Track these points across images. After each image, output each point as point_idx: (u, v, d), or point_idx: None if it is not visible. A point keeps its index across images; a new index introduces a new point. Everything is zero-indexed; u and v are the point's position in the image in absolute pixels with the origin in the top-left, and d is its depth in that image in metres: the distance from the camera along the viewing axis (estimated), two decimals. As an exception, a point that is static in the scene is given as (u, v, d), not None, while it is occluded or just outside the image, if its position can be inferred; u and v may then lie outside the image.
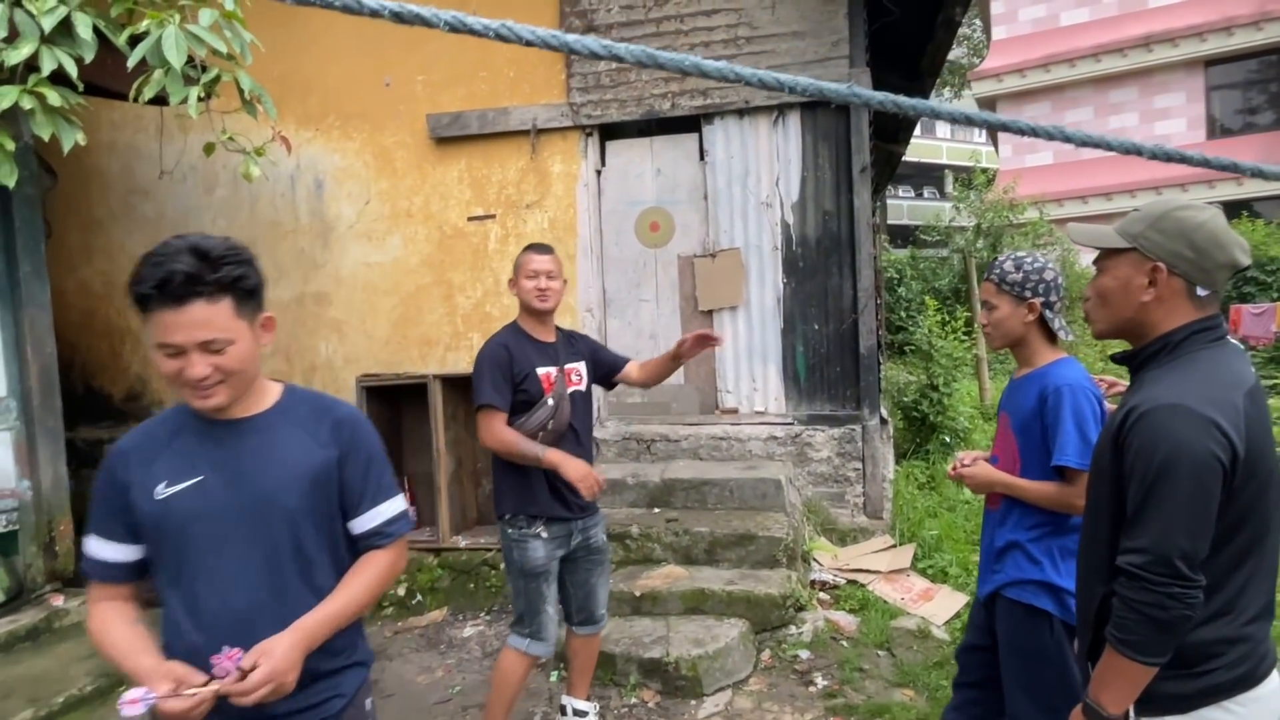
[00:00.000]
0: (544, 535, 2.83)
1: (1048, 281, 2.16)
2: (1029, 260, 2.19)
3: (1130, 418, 1.46)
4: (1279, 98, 16.07)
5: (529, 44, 1.03)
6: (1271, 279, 11.10)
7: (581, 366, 3.01)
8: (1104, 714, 1.46)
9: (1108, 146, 1.26)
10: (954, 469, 2.35)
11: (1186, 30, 16.04)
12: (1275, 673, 1.50)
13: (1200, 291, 1.50)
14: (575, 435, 2.94)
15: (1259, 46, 15.79)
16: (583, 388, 3.00)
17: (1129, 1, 17.09)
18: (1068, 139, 1.24)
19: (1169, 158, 1.25)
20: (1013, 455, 2.20)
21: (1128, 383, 1.79)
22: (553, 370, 2.88)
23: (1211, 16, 15.94)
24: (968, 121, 1.23)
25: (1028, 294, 2.15)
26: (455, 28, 1.05)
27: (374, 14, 1.03)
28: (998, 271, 2.21)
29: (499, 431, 2.78)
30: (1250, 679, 1.46)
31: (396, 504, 1.63)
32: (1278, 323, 8.50)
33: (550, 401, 2.85)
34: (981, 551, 2.35)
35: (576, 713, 3.12)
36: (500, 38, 1.02)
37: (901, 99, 1.23)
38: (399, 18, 0.98)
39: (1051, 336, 2.22)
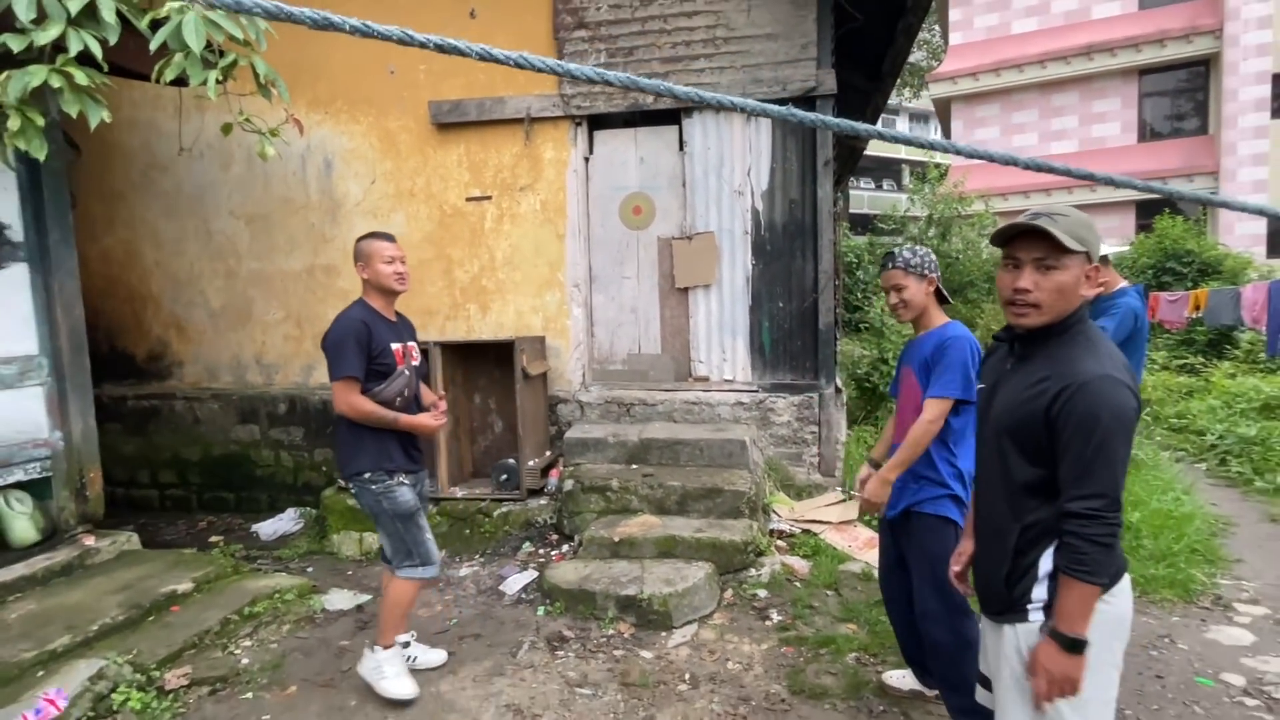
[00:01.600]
0: (405, 481, 2.98)
1: (932, 262, 2.63)
2: (919, 249, 2.63)
3: (1067, 392, 1.58)
4: (1204, 106, 16.25)
5: (539, 70, 1.10)
6: (1186, 270, 11.36)
7: (415, 347, 3.12)
8: (1078, 638, 1.58)
9: (989, 158, 1.41)
10: (863, 506, 2.70)
11: (1124, 41, 16.12)
12: (1127, 574, 1.72)
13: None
14: (417, 402, 3.09)
15: (1188, 58, 15.93)
16: (418, 363, 3.11)
17: (1074, 13, 17.12)
18: (957, 152, 1.40)
19: (1039, 168, 1.42)
20: (915, 394, 2.59)
21: None
22: (399, 346, 2.98)
23: (1147, 29, 16.02)
24: (879, 136, 1.37)
25: (926, 272, 2.60)
26: (484, 57, 1.12)
27: (421, 46, 1.09)
28: (902, 259, 2.60)
29: (358, 402, 2.84)
30: (1123, 571, 1.69)
31: None
32: (1190, 309, 8.72)
33: (406, 372, 2.98)
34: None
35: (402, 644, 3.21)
36: (519, 65, 1.09)
37: (828, 119, 1.37)
38: (440, 49, 1.05)
39: (940, 303, 2.65)
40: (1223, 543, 4.52)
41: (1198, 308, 8.59)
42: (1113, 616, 1.65)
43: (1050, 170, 1.41)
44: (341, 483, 2.95)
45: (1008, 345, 1.81)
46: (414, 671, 3.13)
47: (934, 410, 2.50)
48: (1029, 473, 1.68)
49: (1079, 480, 1.57)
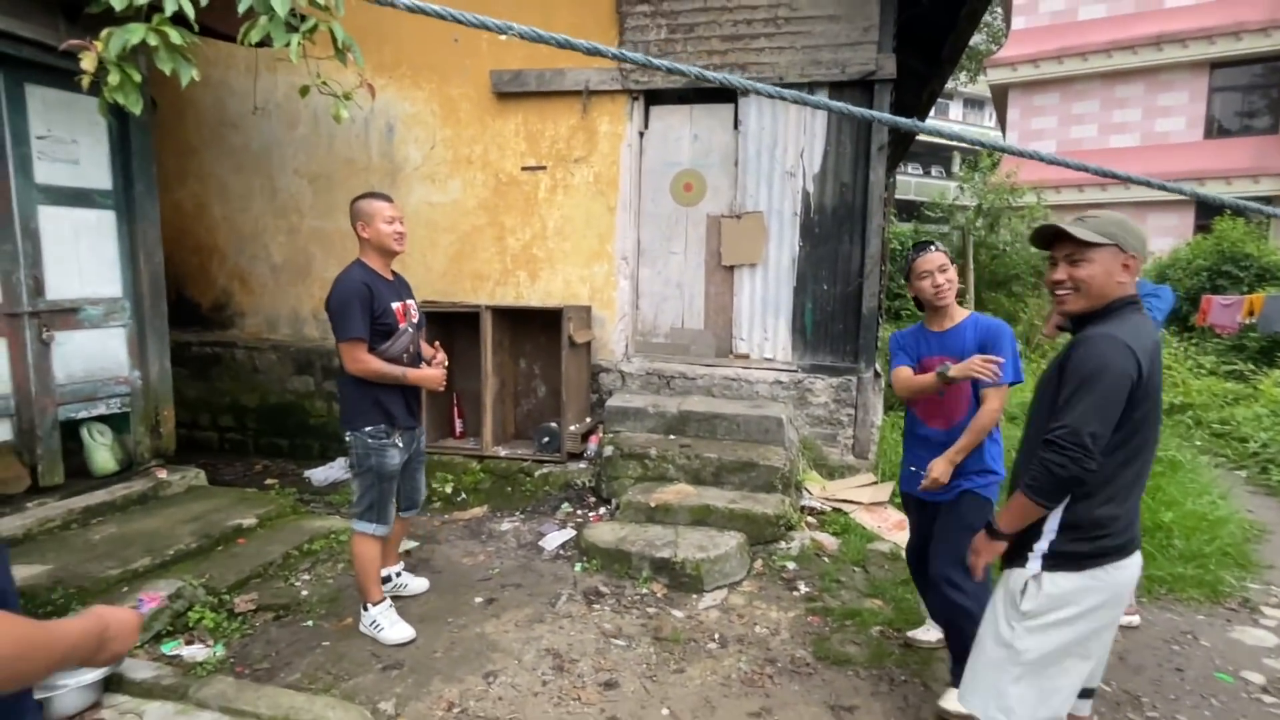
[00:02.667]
0: (399, 444, 3.12)
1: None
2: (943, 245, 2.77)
3: (1074, 344, 1.86)
4: (1278, 104, 15.56)
5: (582, 52, 1.21)
6: (1244, 274, 11.01)
7: (413, 305, 3.23)
8: (1000, 532, 1.96)
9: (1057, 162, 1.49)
10: (923, 485, 2.72)
11: (1197, 32, 15.45)
12: (1138, 552, 1.94)
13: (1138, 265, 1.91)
14: (418, 357, 3.25)
15: (1265, 52, 15.21)
16: (416, 320, 3.23)
17: (1146, 1, 16.44)
18: (1021, 154, 1.50)
19: (1101, 173, 1.51)
20: (963, 387, 2.64)
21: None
22: (399, 304, 3.11)
23: (1223, 20, 15.32)
24: (926, 131, 1.43)
25: (954, 258, 2.75)
26: (561, 44, 1.24)
27: (500, 31, 1.21)
28: (946, 251, 2.72)
29: (366, 360, 2.97)
30: (1125, 550, 1.89)
31: None
32: (1244, 314, 8.51)
33: (409, 329, 3.13)
34: (918, 460, 2.80)
35: (395, 575, 3.60)
36: (597, 53, 1.21)
37: (883, 115, 1.46)
38: (522, 36, 1.17)
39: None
40: (1256, 548, 4.52)
41: (1251, 313, 8.38)
42: (1109, 584, 1.87)
43: (1110, 175, 1.49)
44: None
45: (1070, 330, 2.04)
46: (407, 598, 3.54)
47: (1001, 399, 2.61)
48: (1053, 408, 1.90)
49: (1057, 413, 1.81)
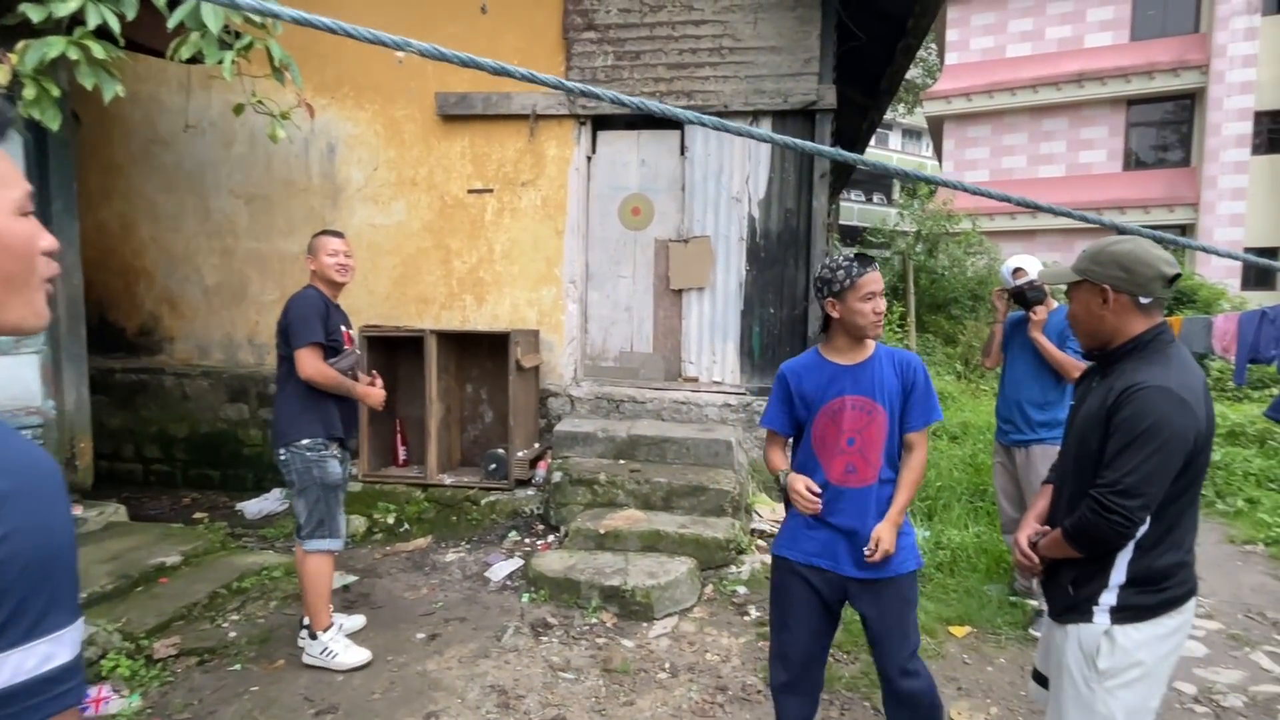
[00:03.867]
0: (337, 455, 3.21)
1: None
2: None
3: (1125, 394, 1.70)
4: (1188, 138, 16.65)
5: (522, 80, 1.19)
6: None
7: (354, 334, 3.39)
8: (1050, 557, 1.87)
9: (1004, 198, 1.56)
10: (871, 557, 2.16)
11: (1114, 71, 16.49)
12: (1194, 598, 1.83)
13: (1143, 300, 1.76)
14: (357, 380, 3.36)
15: (1175, 91, 16.32)
16: (357, 349, 3.44)
17: (1067, 41, 17.47)
18: (965, 189, 1.55)
19: (1023, 204, 1.55)
20: (878, 425, 2.19)
21: None
22: (345, 330, 3.28)
23: (1137, 60, 16.40)
24: (886, 172, 1.46)
25: None
26: (529, 79, 1.23)
27: (464, 64, 1.18)
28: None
29: (323, 367, 3.09)
30: (1187, 596, 1.79)
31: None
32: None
33: (353, 352, 3.32)
34: (830, 525, 2.23)
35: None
36: (534, 80, 1.19)
37: (823, 149, 1.49)
38: (423, 54, 1.14)
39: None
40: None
41: (1172, 335, 8.84)
42: (1175, 630, 1.78)
43: (1035, 207, 1.55)
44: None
45: (1097, 366, 1.94)
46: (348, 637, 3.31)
47: (926, 443, 2.27)
48: (1100, 458, 1.77)
49: (1105, 467, 1.71)
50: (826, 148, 1.48)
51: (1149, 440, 1.64)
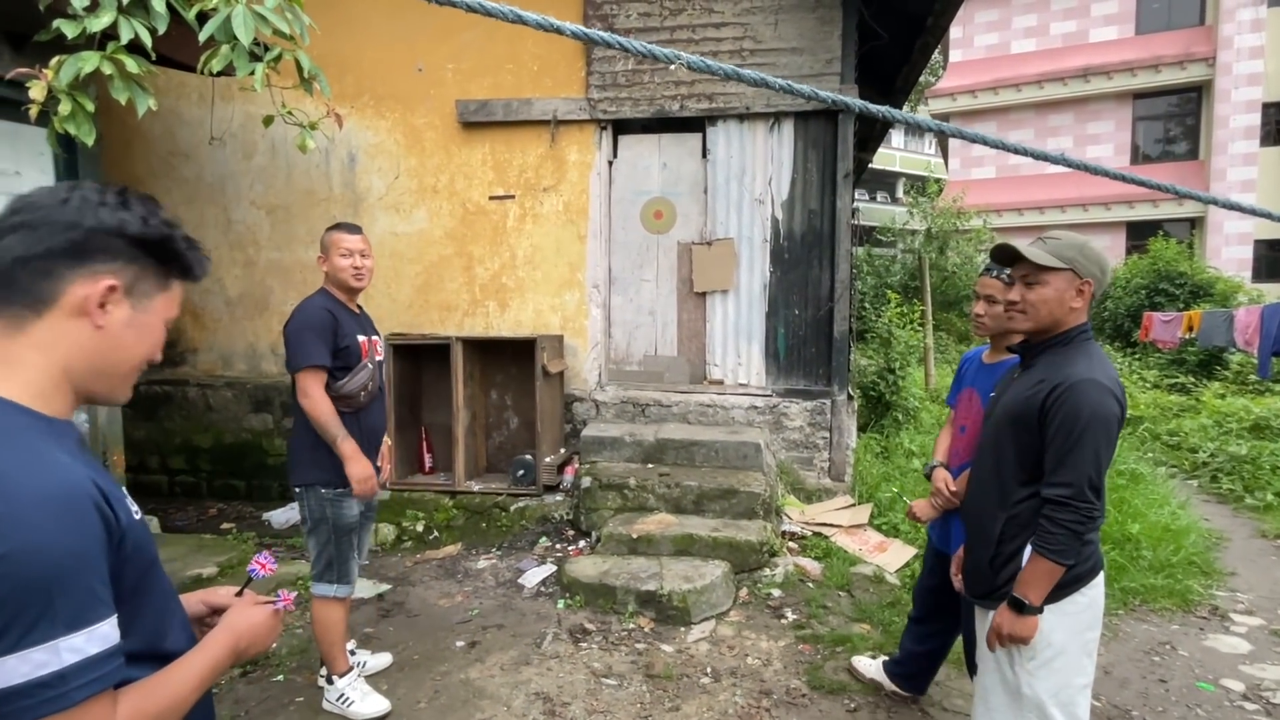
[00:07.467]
0: (354, 496, 2.80)
1: None
2: None
3: (1057, 390, 1.79)
4: (1195, 131, 16.59)
5: (610, 46, 1.19)
6: (1179, 291, 11.60)
7: (379, 341, 2.99)
8: (1030, 605, 1.80)
9: (1049, 159, 1.61)
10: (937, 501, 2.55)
11: (1120, 65, 16.44)
12: (1102, 572, 1.93)
13: (1096, 297, 1.91)
14: (382, 397, 2.99)
15: (1181, 84, 16.26)
16: (380, 358, 2.97)
17: (1072, 36, 17.44)
18: (1027, 153, 1.61)
19: (1096, 171, 1.58)
20: (980, 419, 2.38)
21: None
22: (364, 339, 2.87)
23: (1143, 54, 16.35)
24: (952, 132, 1.46)
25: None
26: (544, 27, 1.24)
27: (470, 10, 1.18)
28: (1002, 273, 2.38)
29: (320, 399, 2.67)
30: (1094, 571, 1.88)
31: None
32: (1184, 330, 8.94)
33: (370, 365, 2.85)
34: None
35: (350, 652, 3.09)
36: (553, 28, 1.21)
37: (890, 110, 1.54)
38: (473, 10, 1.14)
39: None
40: (1216, 556, 4.67)
41: (1191, 328, 8.80)
42: (1087, 607, 1.85)
43: (1105, 174, 1.55)
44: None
45: (1019, 357, 2.03)
46: (369, 677, 3.06)
47: None
48: (1018, 464, 1.88)
49: (1056, 469, 1.78)
50: (856, 100, 1.53)
51: (1091, 431, 1.73)
